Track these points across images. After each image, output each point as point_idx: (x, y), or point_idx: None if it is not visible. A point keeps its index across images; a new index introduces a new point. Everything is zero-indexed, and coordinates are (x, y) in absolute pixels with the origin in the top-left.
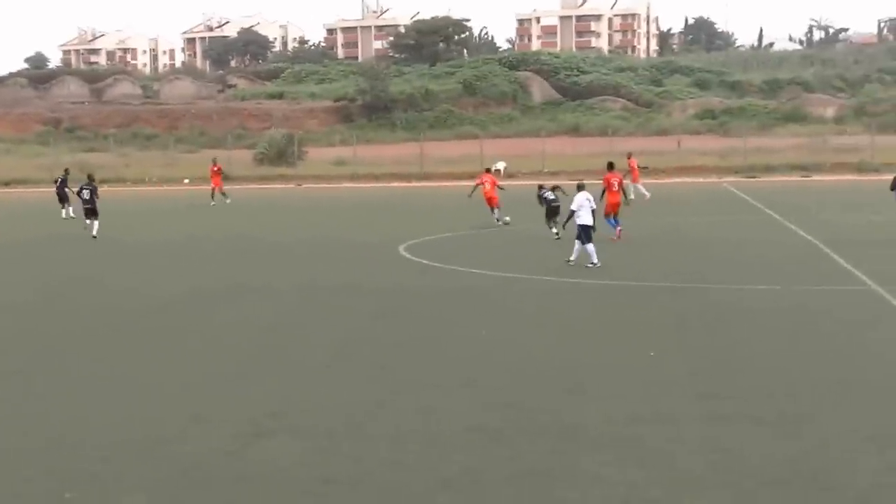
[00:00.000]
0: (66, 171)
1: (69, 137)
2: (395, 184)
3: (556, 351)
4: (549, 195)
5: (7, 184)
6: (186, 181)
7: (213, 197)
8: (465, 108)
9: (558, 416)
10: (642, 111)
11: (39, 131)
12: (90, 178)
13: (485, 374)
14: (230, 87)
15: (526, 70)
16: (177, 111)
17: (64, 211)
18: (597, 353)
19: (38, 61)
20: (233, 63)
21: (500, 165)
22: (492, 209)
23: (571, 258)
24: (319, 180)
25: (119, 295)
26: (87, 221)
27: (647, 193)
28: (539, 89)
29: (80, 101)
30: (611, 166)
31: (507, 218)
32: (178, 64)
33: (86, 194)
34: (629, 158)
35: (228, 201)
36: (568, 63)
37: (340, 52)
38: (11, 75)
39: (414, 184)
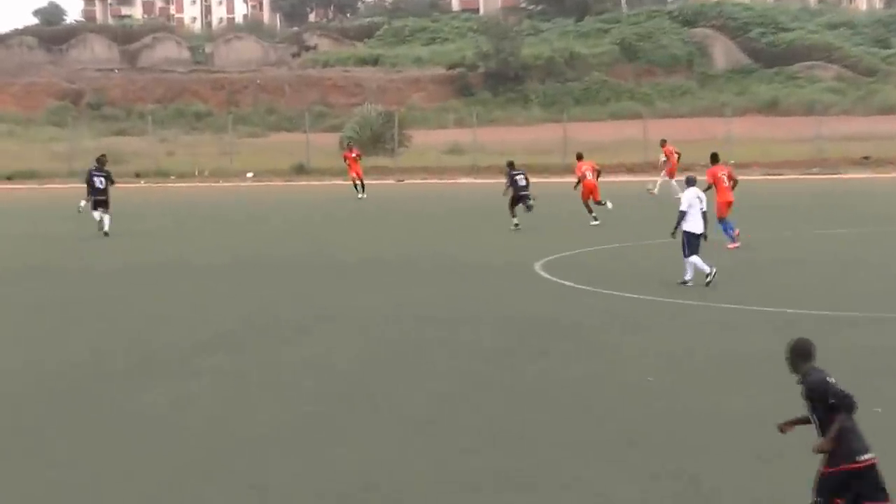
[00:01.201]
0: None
1: (93, 116)
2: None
3: (741, 403)
4: (521, 179)
5: (9, 178)
6: (250, 175)
7: (361, 189)
8: (623, 78)
9: (750, 493)
10: (863, 81)
11: (53, 107)
12: (101, 161)
13: (649, 434)
14: (308, 49)
15: (705, 27)
16: (237, 82)
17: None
18: (794, 407)
19: (51, 14)
20: (312, 17)
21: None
22: (596, 202)
23: (686, 278)
24: (428, 174)
25: (156, 324)
26: (97, 215)
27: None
28: (723, 52)
29: (107, 68)
30: (715, 158)
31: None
32: (238, 19)
33: (99, 182)
34: (663, 146)
35: (362, 196)
36: (762, 17)
37: (456, 3)
38: (16, 33)
39: (554, 179)
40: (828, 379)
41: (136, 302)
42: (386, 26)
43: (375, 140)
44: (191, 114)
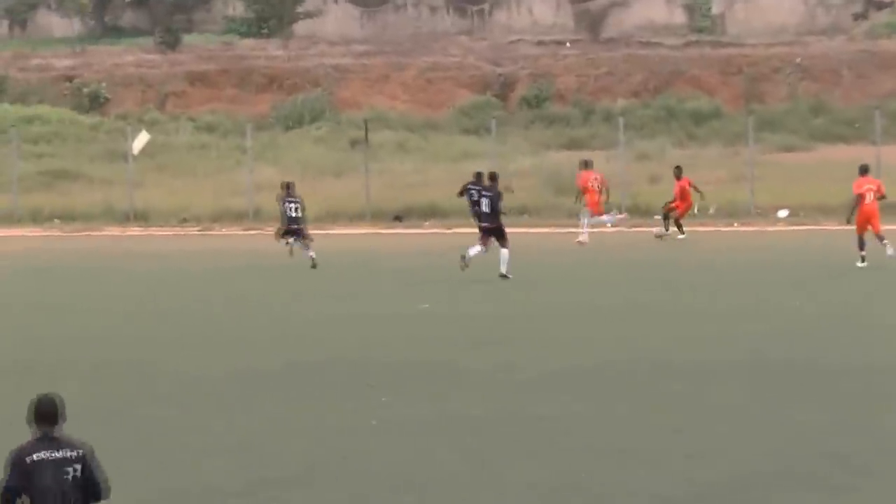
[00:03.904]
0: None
1: (530, 117)
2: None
3: None
4: (292, 209)
5: (398, 217)
6: (783, 214)
7: (679, 227)
8: None
9: None
10: None
11: (468, 104)
12: (289, 186)
13: None
14: (882, 6)
15: None
16: (762, 62)
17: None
18: None
19: None
20: None
21: None
22: (877, 235)
23: None
24: None
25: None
26: (290, 243)
27: (681, 234)
28: None
29: (554, 40)
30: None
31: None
32: None
33: (293, 210)
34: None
35: (681, 237)
36: None
37: None
38: None
39: None
40: (26, 459)
41: None
42: None
43: None
44: (686, 114)
